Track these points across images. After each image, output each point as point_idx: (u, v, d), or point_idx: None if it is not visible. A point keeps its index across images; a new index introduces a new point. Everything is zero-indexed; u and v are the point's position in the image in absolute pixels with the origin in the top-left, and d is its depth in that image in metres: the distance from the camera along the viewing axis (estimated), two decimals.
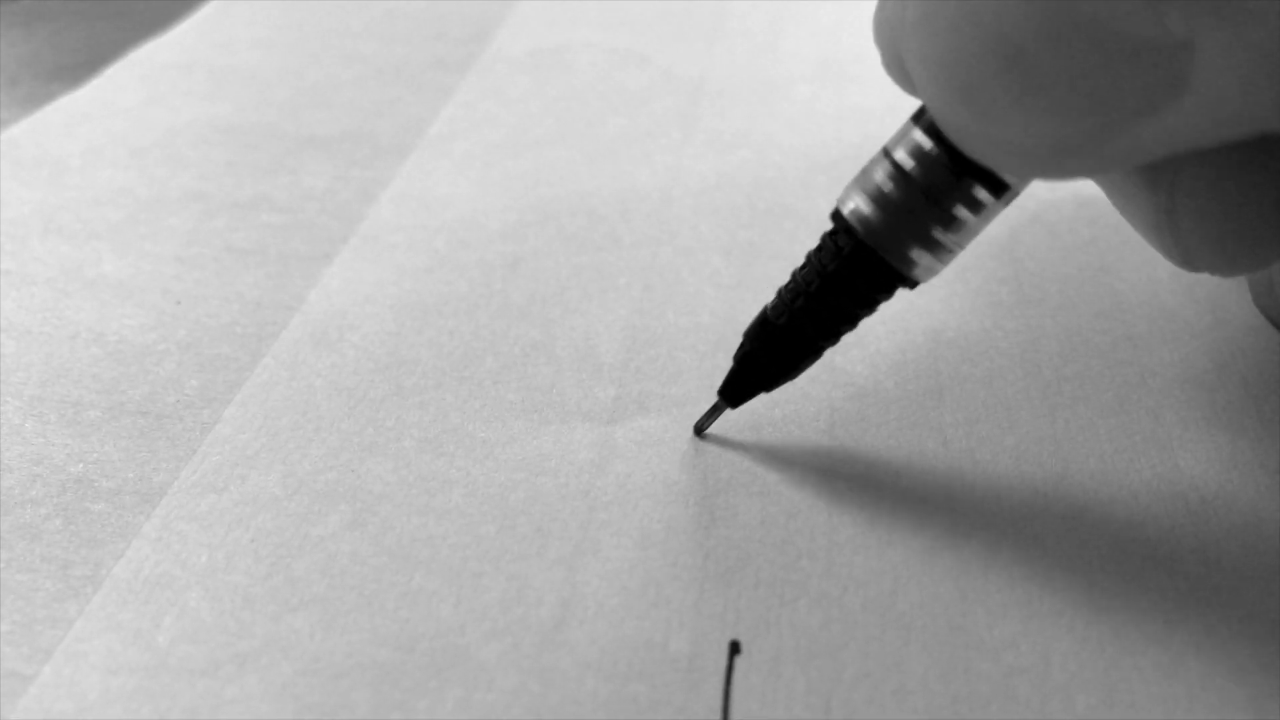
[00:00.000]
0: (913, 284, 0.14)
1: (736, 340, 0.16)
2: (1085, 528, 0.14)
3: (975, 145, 0.12)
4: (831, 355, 0.17)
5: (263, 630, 0.13)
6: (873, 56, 0.14)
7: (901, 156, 0.14)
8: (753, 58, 0.28)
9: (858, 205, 0.14)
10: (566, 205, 0.22)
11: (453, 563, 0.14)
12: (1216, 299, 0.19)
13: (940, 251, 0.14)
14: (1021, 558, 0.14)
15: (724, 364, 0.17)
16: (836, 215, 0.14)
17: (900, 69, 0.13)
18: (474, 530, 0.15)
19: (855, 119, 0.24)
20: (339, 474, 0.15)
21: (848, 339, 0.17)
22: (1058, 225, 0.21)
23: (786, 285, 0.15)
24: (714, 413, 0.16)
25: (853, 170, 0.23)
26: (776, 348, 0.15)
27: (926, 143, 0.13)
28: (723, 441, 0.16)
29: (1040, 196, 0.22)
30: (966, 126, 0.11)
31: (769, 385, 0.16)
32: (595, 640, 0.13)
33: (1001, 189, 0.13)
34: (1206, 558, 0.14)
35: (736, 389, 0.16)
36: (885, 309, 0.19)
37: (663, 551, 0.14)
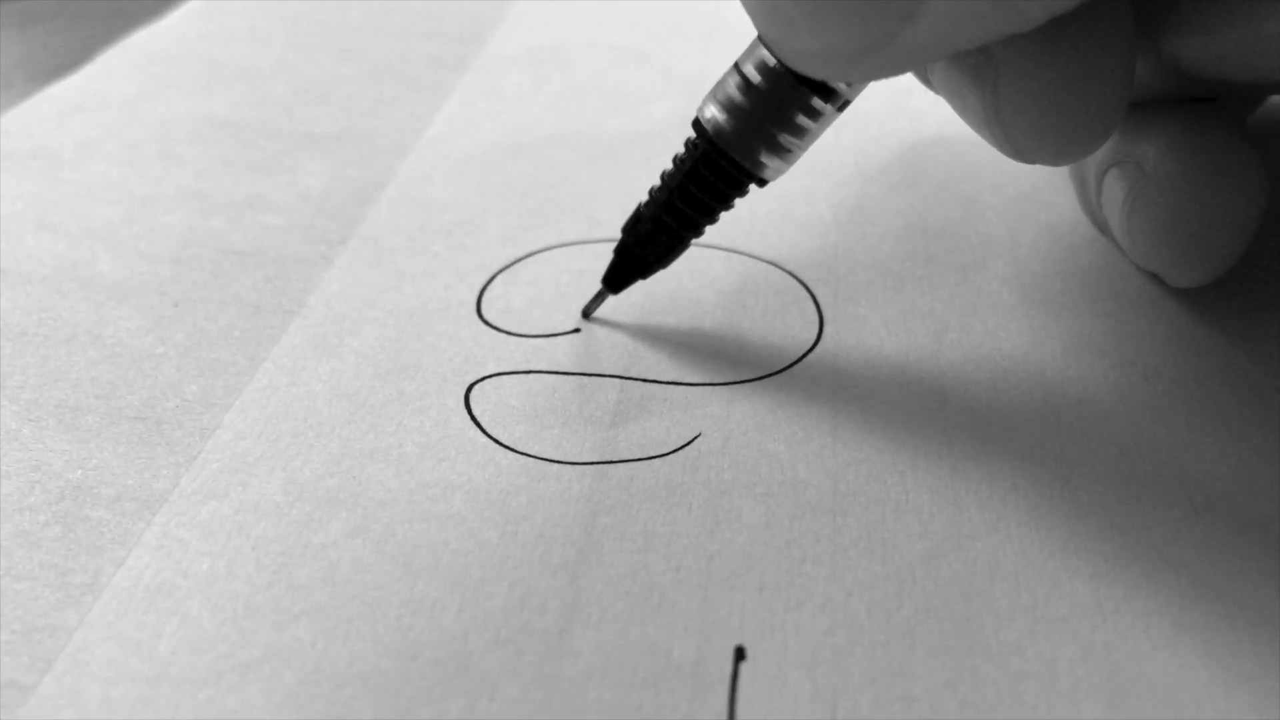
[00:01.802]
0: (761, 182, 0.16)
1: (737, 343, 0.17)
2: (1090, 530, 0.14)
3: (787, 56, 0.14)
4: (835, 358, 0.17)
5: (264, 639, 0.13)
6: None
7: (749, 69, 0.16)
8: None
9: (713, 113, 0.16)
10: (566, 208, 0.22)
11: (455, 570, 0.14)
12: (1220, 298, 0.19)
13: (784, 153, 0.16)
14: (1027, 561, 0.14)
15: (725, 366, 0.17)
16: (696, 123, 0.16)
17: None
18: (476, 536, 0.14)
19: (852, 120, 0.24)
20: (340, 480, 0.15)
21: (850, 341, 0.18)
22: (1060, 225, 0.21)
23: (657, 186, 0.17)
24: (598, 299, 0.18)
25: (853, 171, 0.23)
26: (647, 239, 0.17)
27: (769, 58, 0.15)
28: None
29: (1041, 199, 0.22)
30: (777, 42, 0.13)
31: (645, 273, 0.18)
32: (599, 647, 0.13)
33: (832, 95, 0.15)
34: (1212, 560, 0.14)
35: (617, 277, 0.18)
36: (884, 310, 0.19)
37: (666, 556, 0.14)
